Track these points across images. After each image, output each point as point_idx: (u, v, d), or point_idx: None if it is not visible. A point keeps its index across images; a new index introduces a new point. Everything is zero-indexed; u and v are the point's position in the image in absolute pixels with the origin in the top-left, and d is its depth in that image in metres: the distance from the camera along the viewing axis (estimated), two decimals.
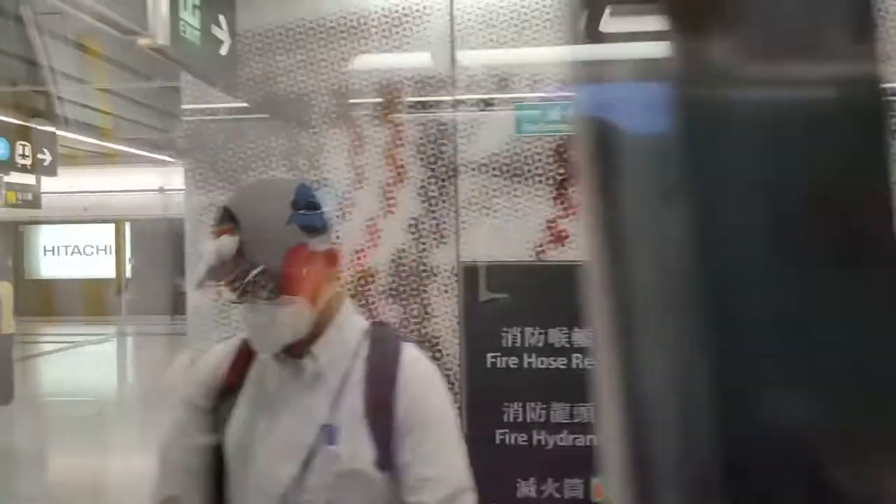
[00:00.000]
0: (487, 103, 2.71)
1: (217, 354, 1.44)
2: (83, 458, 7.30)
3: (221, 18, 2.53)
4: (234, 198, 1.31)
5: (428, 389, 1.33)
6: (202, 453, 1.37)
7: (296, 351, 1.32)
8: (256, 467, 1.31)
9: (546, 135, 2.69)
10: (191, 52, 2.32)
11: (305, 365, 1.32)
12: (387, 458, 1.27)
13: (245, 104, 2.76)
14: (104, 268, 18.79)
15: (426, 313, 2.71)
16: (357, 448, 1.27)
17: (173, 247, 18.21)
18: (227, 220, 1.26)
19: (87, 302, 17.37)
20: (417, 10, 2.72)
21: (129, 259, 18.59)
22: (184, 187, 2.81)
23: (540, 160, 2.69)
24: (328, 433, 1.26)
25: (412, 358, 1.34)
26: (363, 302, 2.69)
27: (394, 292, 2.71)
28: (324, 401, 1.30)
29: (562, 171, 2.68)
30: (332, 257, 1.34)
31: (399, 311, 2.71)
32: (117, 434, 7.64)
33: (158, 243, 17.76)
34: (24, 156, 8.14)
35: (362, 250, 2.72)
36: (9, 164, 8.05)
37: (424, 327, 2.70)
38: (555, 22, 2.67)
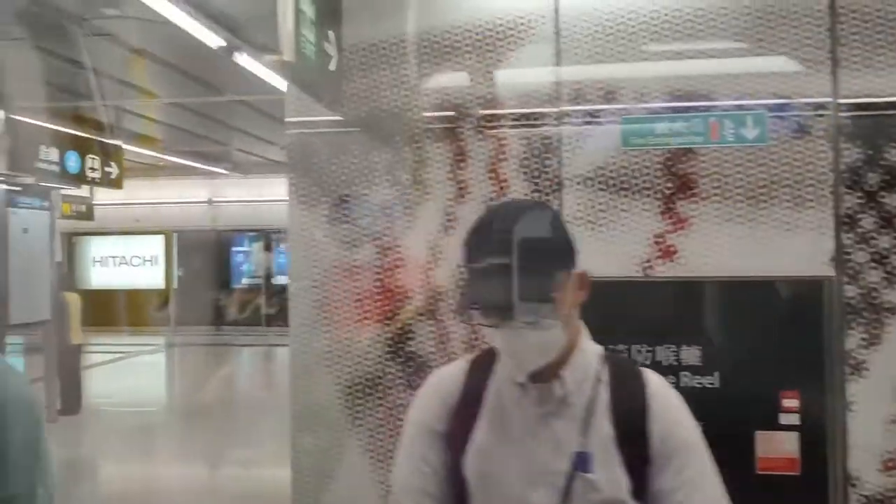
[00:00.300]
0: (593, 116, 2.67)
1: (446, 377, 1.42)
2: (157, 468, 7.39)
3: (331, 34, 2.53)
4: (499, 221, 1.28)
5: (680, 416, 1.30)
6: (441, 478, 1.34)
7: (541, 375, 1.29)
8: (504, 493, 1.27)
9: (653, 147, 2.64)
10: (306, 68, 2.32)
11: (553, 389, 1.29)
12: (641, 487, 1.23)
13: (347, 118, 2.76)
14: (151, 278, 19.08)
15: None
16: (613, 476, 1.24)
17: (218, 258, 18.54)
18: (499, 243, 1.23)
19: (136, 312, 17.66)
20: (522, 24, 2.70)
21: (178, 270, 18.86)
22: (287, 200, 2.82)
23: (647, 174, 2.63)
24: (582, 460, 1.23)
25: (659, 384, 1.31)
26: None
27: None
28: (572, 427, 1.26)
29: (670, 184, 2.62)
30: (584, 281, 1.31)
31: None
32: (187, 443, 7.73)
33: (204, 255, 18.05)
34: (93, 169, 8.32)
35: None
36: (79, 178, 8.24)
37: None
38: (661, 34, 2.63)
